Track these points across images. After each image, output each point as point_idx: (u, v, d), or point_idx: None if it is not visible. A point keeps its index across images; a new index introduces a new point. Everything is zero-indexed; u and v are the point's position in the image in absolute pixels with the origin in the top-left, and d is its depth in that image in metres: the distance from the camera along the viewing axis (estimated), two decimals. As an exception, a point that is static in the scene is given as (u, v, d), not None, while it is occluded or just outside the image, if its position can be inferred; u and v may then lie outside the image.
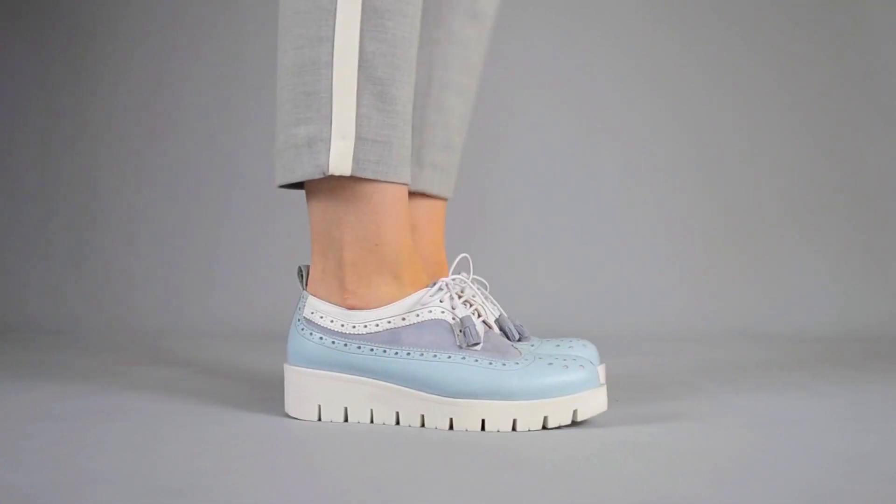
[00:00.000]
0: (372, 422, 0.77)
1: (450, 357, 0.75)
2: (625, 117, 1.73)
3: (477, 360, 0.74)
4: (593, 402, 0.75)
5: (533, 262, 1.67)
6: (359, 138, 0.75)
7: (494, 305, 0.84)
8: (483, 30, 0.95)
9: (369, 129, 0.76)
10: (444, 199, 0.97)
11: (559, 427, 0.74)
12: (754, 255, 1.66)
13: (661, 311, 1.61)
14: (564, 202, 1.71)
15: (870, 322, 1.55)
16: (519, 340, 0.81)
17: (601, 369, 0.87)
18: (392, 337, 0.76)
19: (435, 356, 0.75)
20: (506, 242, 1.68)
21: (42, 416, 0.80)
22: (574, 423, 0.74)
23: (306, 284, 0.80)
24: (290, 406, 0.79)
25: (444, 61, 0.93)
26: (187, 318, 1.62)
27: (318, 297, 0.79)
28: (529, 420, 0.73)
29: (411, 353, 0.75)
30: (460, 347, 0.75)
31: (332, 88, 0.75)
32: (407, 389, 0.75)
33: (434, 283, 0.78)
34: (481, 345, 0.75)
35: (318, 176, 0.75)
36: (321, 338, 0.77)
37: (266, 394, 0.90)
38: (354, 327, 0.77)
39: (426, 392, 0.75)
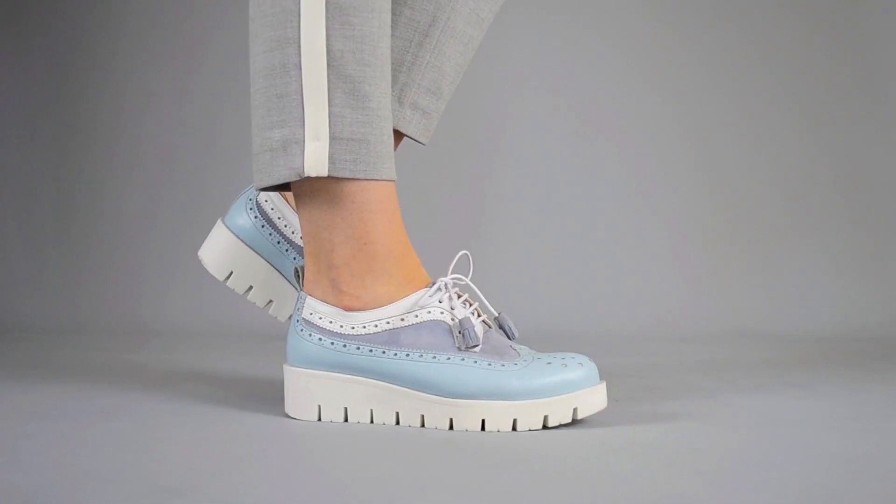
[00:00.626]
0: (372, 422, 0.77)
1: (449, 359, 0.75)
2: (625, 117, 1.73)
3: (476, 362, 0.74)
4: (593, 400, 0.75)
5: (533, 261, 1.67)
6: (333, 138, 0.75)
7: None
8: None
9: (343, 127, 0.75)
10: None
11: (559, 426, 0.74)
12: (754, 255, 1.66)
13: (661, 311, 1.61)
14: (564, 202, 1.71)
15: (870, 322, 1.55)
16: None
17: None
18: (391, 338, 0.76)
19: (434, 358, 0.75)
20: (505, 242, 1.68)
21: (42, 416, 0.80)
22: (574, 422, 0.74)
23: (304, 285, 0.80)
24: (290, 406, 0.79)
25: (452, 7, 0.89)
26: (187, 319, 1.62)
27: (315, 296, 0.79)
28: (529, 419, 0.73)
29: (410, 354, 0.75)
30: (459, 349, 0.75)
31: (301, 90, 0.75)
32: (407, 390, 0.75)
33: (433, 283, 0.78)
34: (480, 346, 0.75)
35: (294, 178, 0.75)
36: (320, 339, 0.77)
37: (266, 394, 0.90)
38: (353, 328, 0.77)
39: (426, 393, 0.75)
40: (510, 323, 0.81)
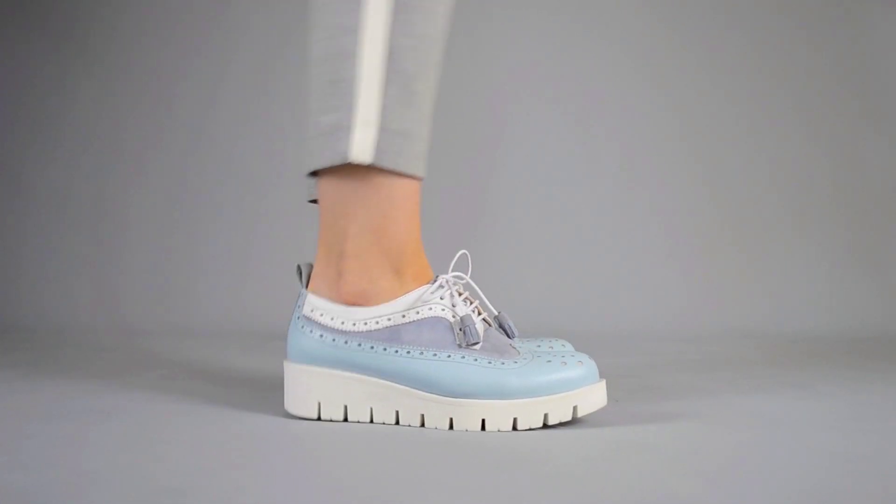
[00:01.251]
0: (372, 421, 0.77)
1: (449, 356, 0.75)
2: (624, 117, 1.73)
3: (476, 360, 0.75)
4: (593, 398, 0.75)
5: (532, 261, 1.67)
6: (382, 128, 0.76)
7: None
8: None
9: (393, 119, 0.76)
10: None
11: (560, 424, 0.74)
12: (754, 255, 1.66)
13: (661, 311, 1.61)
14: (564, 202, 1.71)
15: (870, 322, 1.55)
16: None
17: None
18: (392, 334, 0.76)
19: (435, 355, 0.75)
20: (505, 242, 1.68)
21: (42, 416, 0.80)
22: (574, 420, 0.74)
23: (306, 283, 0.80)
24: (290, 403, 0.79)
25: None
26: (186, 319, 1.62)
27: (318, 291, 0.79)
28: (530, 418, 0.73)
29: (411, 351, 0.75)
30: (460, 346, 0.75)
31: (354, 77, 0.75)
32: (407, 388, 0.75)
33: (435, 280, 0.78)
34: (480, 344, 0.75)
35: (338, 162, 0.76)
36: (321, 335, 0.77)
37: (265, 393, 0.90)
38: (354, 324, 0.77)
39: (426, 391, 0.75)
40: (510, 322, 0.81)
